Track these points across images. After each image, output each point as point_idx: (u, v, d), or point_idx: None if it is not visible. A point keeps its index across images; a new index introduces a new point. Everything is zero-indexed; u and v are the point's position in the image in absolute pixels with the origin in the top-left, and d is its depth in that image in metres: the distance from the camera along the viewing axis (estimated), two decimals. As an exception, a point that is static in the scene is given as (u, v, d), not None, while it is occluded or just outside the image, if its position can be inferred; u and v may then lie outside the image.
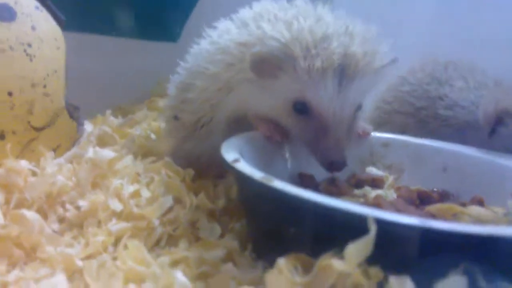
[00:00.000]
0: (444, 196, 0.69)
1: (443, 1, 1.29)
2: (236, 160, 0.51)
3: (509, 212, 0.58)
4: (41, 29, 0.65)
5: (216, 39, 0.70)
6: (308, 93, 0.58)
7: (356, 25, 0.63)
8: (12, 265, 0.52)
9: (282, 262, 0.41)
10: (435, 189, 0.70)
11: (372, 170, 0.73)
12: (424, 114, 0.83)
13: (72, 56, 1.18)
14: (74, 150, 0.72)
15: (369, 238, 0.37)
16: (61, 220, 0.60)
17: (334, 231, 0.42)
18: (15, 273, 0.49)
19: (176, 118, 0.78)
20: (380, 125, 0.92)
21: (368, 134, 0.75)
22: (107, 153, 0.67)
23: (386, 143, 0.76)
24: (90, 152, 0.67)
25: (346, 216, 0.39)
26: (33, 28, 0.63)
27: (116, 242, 0.56)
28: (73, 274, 0.51)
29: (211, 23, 0.91)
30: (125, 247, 0.52)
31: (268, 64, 0.59)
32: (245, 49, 0.63)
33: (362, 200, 0.59)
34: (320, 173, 0.66)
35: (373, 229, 0.37)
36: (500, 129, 0.74)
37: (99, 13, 1.27)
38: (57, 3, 0.85)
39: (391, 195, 0.64)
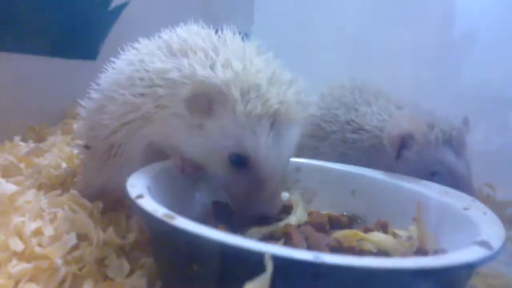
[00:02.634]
0: (353, 220, 0.73)
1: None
2: (139, 196, 0.50)
3: (411, 236, 0.61)
4: None
5: (137, 63, 0.66)
6: (247, 143, 0.57)
7: (284, 71, 0.63)
8: None
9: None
10: (344, 213, 0.73)
11: (285, 196, 0.74)
12: (334, 138, 0.87)
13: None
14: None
15: (266, 276, 0.38)
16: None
17: (235, 269, 0.42)
18: None
19: (87, 147, 0.75)
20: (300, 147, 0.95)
21: None
22: (9, 187, 0.64)
23: (298, 168, 0.78)
24: (-12, 188, 0.63)
25: (243, 253, 0.40)
26: None
27: (16, 285, 0.53)
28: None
29: (131, 41, 0.89)
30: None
31: (204, 102, 0.57)
32: (174, 85, 0.60)
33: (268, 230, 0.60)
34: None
35: (270, 266, 0.38)
36: (405, 153, 0.79)
37: (10, 29, 1.20)
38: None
39: (303, 219, 0.65)
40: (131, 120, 0.65)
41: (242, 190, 0.59)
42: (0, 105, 1.16)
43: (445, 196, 0.66)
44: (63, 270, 0.55)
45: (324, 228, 0.66)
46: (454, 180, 0.76)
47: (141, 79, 0.64)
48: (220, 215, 0.68)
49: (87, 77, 0.77)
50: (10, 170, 0.79)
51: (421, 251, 0.58)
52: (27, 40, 1.24)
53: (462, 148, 0.79)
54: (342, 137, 0.85)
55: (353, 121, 0.85)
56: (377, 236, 0.57)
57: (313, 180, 0.77)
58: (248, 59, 0.61)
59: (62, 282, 0.55)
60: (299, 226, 0.65)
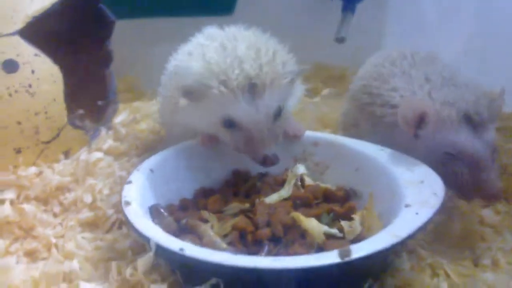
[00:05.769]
0: (350, 194, 0.79)
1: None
2: (129, 182, 0.71)
3: (358, 223, 0.67)
4: (39, 71, 0.89)
5: (172, 68, 0.86)
6: (229, 111, 0.73)
7: (268, 48, 0.76)
8: (15, 239, 0.79)
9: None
10: (345, 187, 0.80)
11: (297, 167, 0.84)
12: (368, 110, 0.88)
13: (142, 44, 1.41)
14: (81, 151, 0.98)
15: (149, 255, 0.56)
16: (60, 204, 0.88)
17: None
18: (16, 246, 0.78)
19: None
20: (347, 115, 0.99)
21: (300, 135, 0.86)
22: (95, 155, 0.93)
23: (316, 143, 0.86)
24: (83, 155, 0.93)
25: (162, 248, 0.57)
26: (32, 71, 0.88)
27: (84, 227, 0.81)
28: (50, 248, 0.78)
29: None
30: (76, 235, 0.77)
31: (193, 92, 0.75)
32: (180, 78, 0.79)
33: (247, 205, 0.74)
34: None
35: (153, 249, 0.55)
36: (422, 133, 0.78)
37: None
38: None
39: (287, 195, 0.77)
40: (170, 109, 0.86)
41: (241, 144, 0.75)
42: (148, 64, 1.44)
43: (415, 186, 0.67)
44: (113, 218, 0.81)
45: (310, 203, 0.76)
46: (468, 161, 0.74)
47: (166, 79, 0.84)
48: (238, 181, 0.84)
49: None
50: (118, 135, 1.09)
51: (359, 238, 0.65)
52: (167, 4, 1.46)
53: (483, 127, 0.74)
54: (373, 111, 0.87)
55: (382, 95, 0.85)
56: (310, 223, 0.65)
57: (327, 153, 0.85)
58: (230, 47, 0.75)
59: (112, 225, 0.81)
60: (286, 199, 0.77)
